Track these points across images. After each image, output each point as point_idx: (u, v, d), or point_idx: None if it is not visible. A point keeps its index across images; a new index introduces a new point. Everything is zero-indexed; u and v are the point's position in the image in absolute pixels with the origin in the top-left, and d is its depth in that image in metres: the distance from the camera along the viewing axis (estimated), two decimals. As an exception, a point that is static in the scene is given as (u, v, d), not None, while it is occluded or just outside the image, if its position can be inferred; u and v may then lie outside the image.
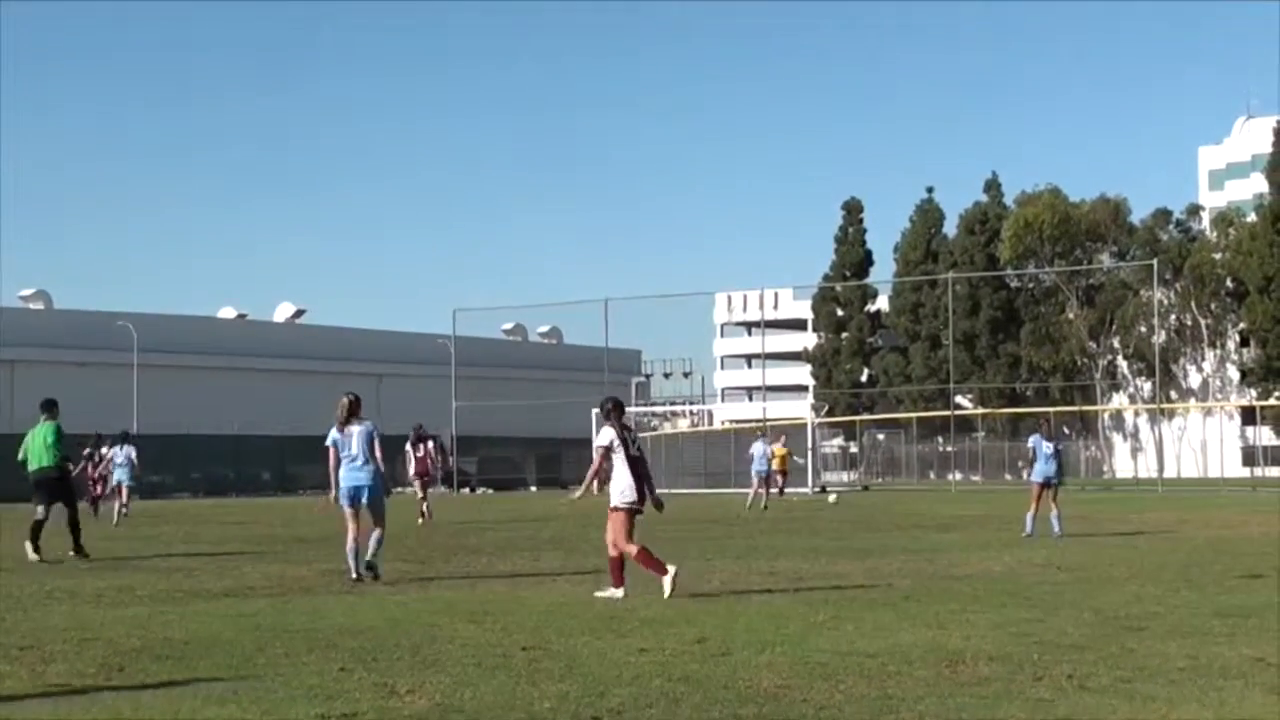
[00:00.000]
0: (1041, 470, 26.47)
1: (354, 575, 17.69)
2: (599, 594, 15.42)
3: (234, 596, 16.23)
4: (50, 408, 23.76)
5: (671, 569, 15.34)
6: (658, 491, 15.95)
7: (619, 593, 15.25)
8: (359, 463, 18.08)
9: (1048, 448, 26.65)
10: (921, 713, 8.76)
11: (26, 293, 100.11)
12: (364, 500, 18.05)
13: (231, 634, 12.63)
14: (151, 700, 9.42)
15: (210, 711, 9.01)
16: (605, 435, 15.71)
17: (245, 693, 9.64)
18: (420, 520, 34.22)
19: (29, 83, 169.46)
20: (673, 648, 11.46)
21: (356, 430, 18.12)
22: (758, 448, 44.88)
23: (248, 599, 15.93)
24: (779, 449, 46.97)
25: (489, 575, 18.84)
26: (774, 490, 45.38)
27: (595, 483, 16.35)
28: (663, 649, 11.40)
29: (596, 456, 15.78)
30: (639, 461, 15.70)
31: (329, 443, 18.24)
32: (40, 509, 23.20)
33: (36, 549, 22.58)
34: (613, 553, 15.56)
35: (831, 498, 43.10)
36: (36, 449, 23.46)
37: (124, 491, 37.75)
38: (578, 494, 16.14)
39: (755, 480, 44.38)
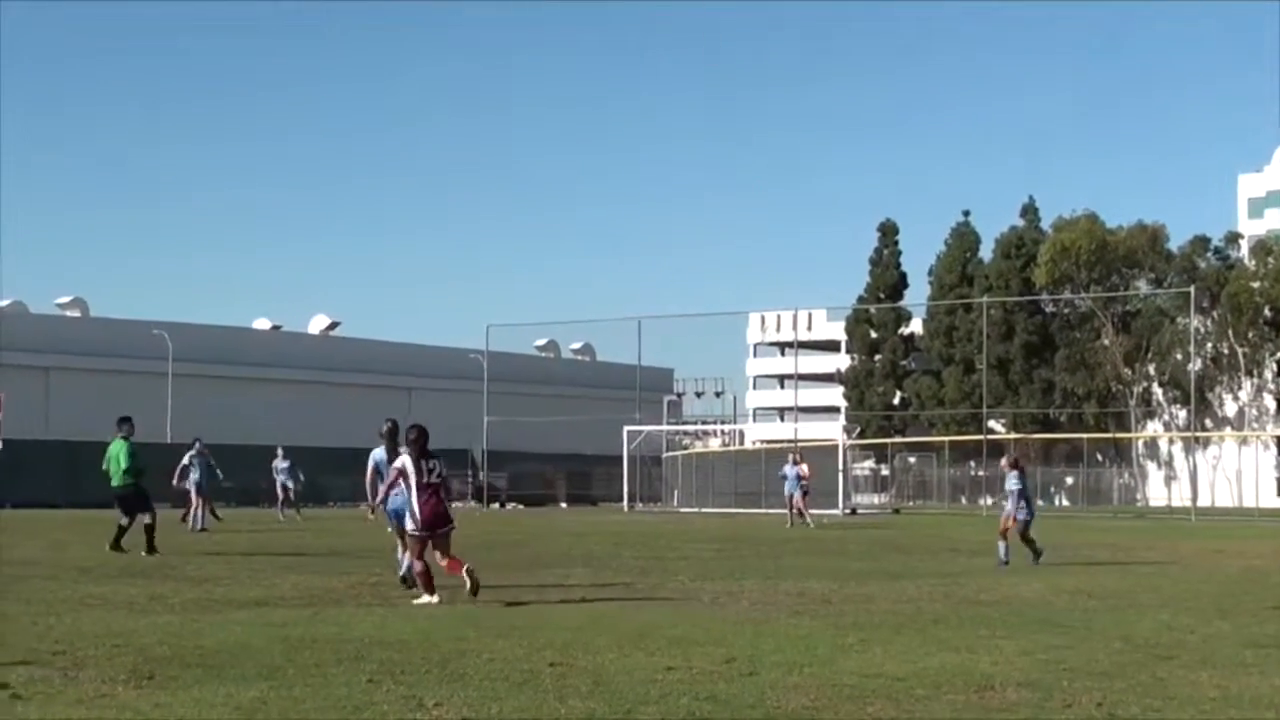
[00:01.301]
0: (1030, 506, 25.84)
1: (402, 575, 18.65)
2: (415, 601, 16.56)
3: (264, 606, 16.29)
4: (122, 424, 25.94)
5: (434, 599, 16.51)
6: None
7: (433, 599, 16.56)
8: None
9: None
10: (949, 737, 8.75)
11: (64, 300, 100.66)
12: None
13: (261, 643, 12.67)
14: (181, 707, 9.45)
15: (239, 720, 9.05)
16: (402, 461, 16.94)
17: (273, 702, 9.68)
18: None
19: (66, 92, 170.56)
20: (700, 667, 11.46)
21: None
22: (789, 469, 45.53)
23: (278, 609, 15.98)
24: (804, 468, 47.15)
25: (517, 590, 18.86)
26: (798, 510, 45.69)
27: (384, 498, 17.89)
28: (690, 668, 11.39)
29: (391, 474, 17.20)
30: (431, 487, 16.74)
31: (375, 463, 19.20)
32: (124, 519, 26.06)
33: (116, 546, 25.43)
34: (418, 567, 16.88)
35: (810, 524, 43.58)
36: (114, 466, 26.27)
37: (197, 498, 38.25)
38: (369, 508, 17.98)
39: (790, 500, 45.48)
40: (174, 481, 38.29)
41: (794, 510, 45.17)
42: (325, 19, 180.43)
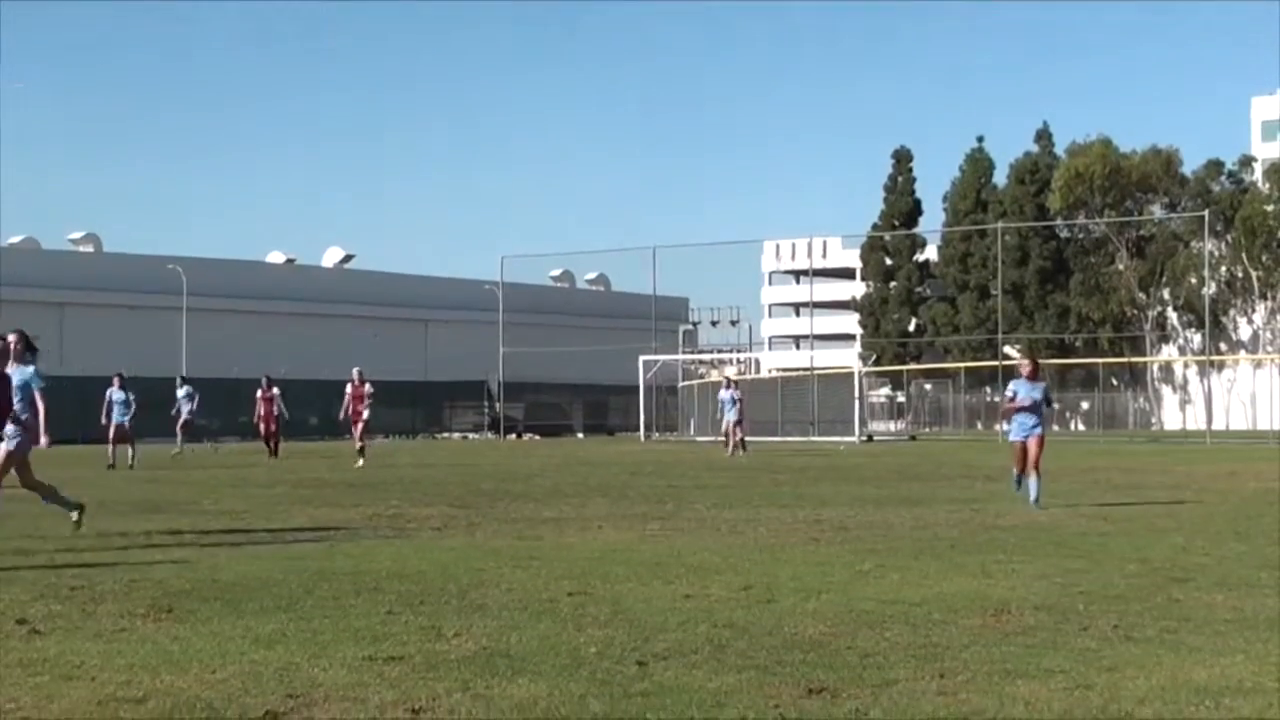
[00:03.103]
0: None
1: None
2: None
3: (281, 540, 16.33)
4: None
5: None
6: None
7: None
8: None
9: None
10: (966, 661, 8.76)
11: (76, 235, 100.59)
12: None
13: (279, 576, 12.71)
14: (199, 640, 9.48)
15: (258, 653, 9.07)
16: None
17: (293, 634, 9.70)
18: (360, 463, 36.59)
19: (80, 25, 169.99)
20: (718, 594, 11.49)
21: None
22: (725, 395, 45.07)
23: (295, 542, 16.02)
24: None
25: (535, 521, 18.90)
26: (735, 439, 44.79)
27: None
28: (708, 595, 11.42)
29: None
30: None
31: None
32: None
33: None
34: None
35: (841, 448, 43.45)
36: None
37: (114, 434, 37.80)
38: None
39: (729, 428, 44.97)
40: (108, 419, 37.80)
41: (733, 440, 44.30)
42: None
